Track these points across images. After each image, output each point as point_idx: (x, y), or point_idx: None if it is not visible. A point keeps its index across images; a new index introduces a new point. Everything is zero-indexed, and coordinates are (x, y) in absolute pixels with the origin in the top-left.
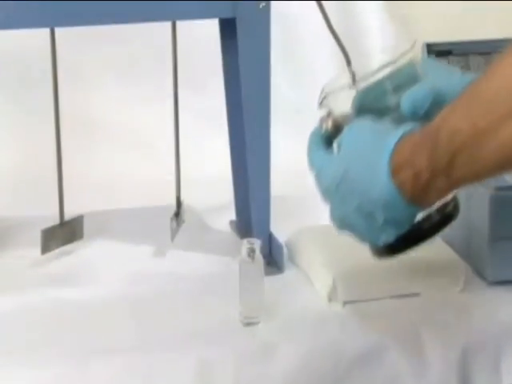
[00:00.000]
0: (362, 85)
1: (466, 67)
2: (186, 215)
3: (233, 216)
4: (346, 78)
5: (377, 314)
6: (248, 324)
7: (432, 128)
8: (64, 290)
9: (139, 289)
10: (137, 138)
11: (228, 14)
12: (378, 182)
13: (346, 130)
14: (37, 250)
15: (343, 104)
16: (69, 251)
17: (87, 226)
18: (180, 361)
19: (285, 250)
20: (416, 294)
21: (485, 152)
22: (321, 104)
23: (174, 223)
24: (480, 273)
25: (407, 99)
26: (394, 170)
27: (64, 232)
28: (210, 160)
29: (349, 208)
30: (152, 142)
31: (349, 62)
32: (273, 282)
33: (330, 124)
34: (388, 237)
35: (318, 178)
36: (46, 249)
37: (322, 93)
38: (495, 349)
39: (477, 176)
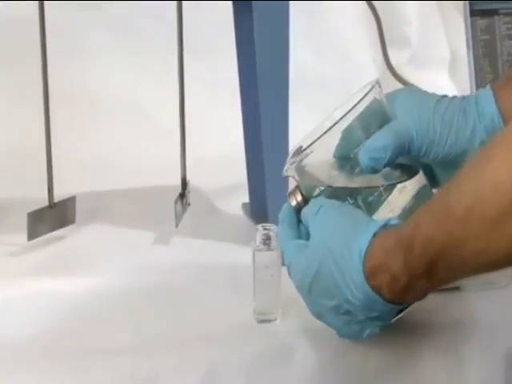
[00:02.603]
0: (330, 136)
1: None
2: (192, 197)
3: (245, 198)
4: (308, 141)
5: (410, 310)
6: (263, 321)
7: (405, 233)
8: (53, 283)
9: (139, 281)
10: (137, 110)
11: None
12: (354, 286)
13: (311, 218)
14: (23, 236)
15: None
16: (59, 237)
17: (80, 208)
18: (185, 364)
19: None
20: (456, 289)
21: (465, 256)
22: (286, 172)
23: (179, 206)
24: None
25: (364, 154)
26: (369, 274)
27: (54, 215)
28: (220, 136)
29: (325, 307)
30: (154, 115)
31: (379, 24)
32: None
33: (299, 198)
34: (372, 330)
35: (290, 272)
36: (32, 235)
37: (287, 163)
38: None
39: (461, 275)
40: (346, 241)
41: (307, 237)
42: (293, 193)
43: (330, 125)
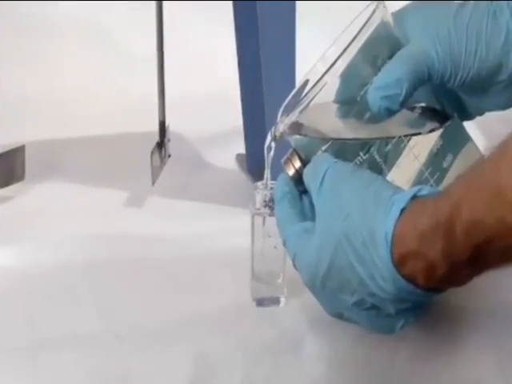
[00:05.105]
0: (328, 80)
1: None
2: (172, 147)
3: (241, 148)
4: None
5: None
6: (263, 305)
7: (443, 213)
8: None
9: (105, 253)
10: (101, 35)
11: None
12: (381, 277)
13: (314, 189)
14: None
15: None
16: (4, 198)
17: (30, 161)
18: (170, 355)
19: None
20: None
21: None
22: (276, 134)
23: (156, 158)
24: None
25: (374, 93)
26: (399, 262)
27: None
28: (208, 68)
29: (344, 304)
30: (124, 42)
31: None
32: None
33: (297, 164)
34: (406, 321)
35: (296, 264)
36: None
37: (277, 122)
38: None
39: None
40: (365, 222)
41: (312, 210)
42: (289, 159)
43: (324, 67)
